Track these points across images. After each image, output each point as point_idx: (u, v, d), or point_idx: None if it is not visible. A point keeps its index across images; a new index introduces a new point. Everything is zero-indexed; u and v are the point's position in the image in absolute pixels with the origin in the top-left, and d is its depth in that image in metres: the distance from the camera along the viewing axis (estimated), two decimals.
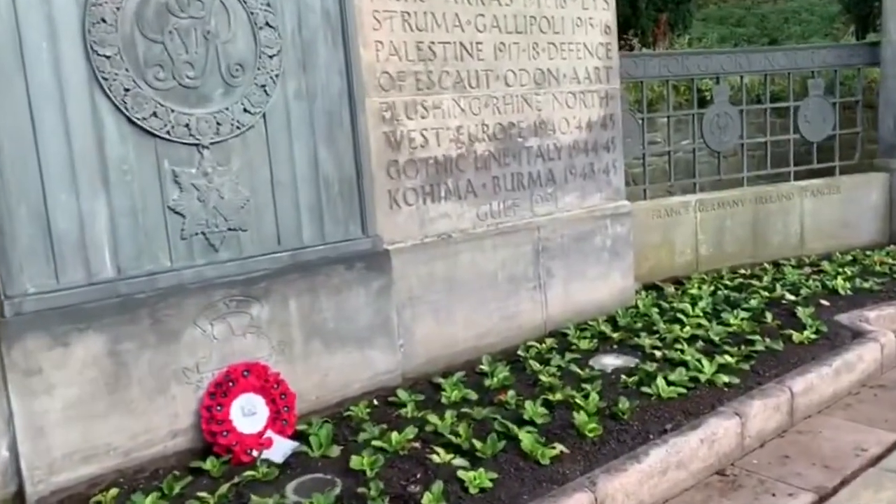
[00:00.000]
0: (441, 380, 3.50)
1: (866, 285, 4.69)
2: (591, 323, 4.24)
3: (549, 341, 3.98)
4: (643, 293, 4.77)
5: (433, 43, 3.60)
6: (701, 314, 4.25)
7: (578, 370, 3.53)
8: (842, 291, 4.58)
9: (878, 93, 5.99)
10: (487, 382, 3.45)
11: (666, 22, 7.18)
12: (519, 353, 3.84)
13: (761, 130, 6.00)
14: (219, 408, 2.88)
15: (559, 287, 4.23)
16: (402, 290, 3.53)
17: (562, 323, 4.21)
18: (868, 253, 5.55)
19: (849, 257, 5.48)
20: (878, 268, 5.05)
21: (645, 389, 3.25)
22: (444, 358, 3.71)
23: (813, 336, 3.84)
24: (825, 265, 5.24)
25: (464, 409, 3.15)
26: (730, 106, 5.58)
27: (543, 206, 4.16)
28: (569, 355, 3.76)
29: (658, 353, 3.68)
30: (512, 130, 3.97)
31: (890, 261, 5.22)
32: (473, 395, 3.32)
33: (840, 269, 5.08)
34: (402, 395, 3.33)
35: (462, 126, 3.76)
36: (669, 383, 3.29)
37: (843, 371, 3.56)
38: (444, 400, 3.28)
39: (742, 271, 5.29)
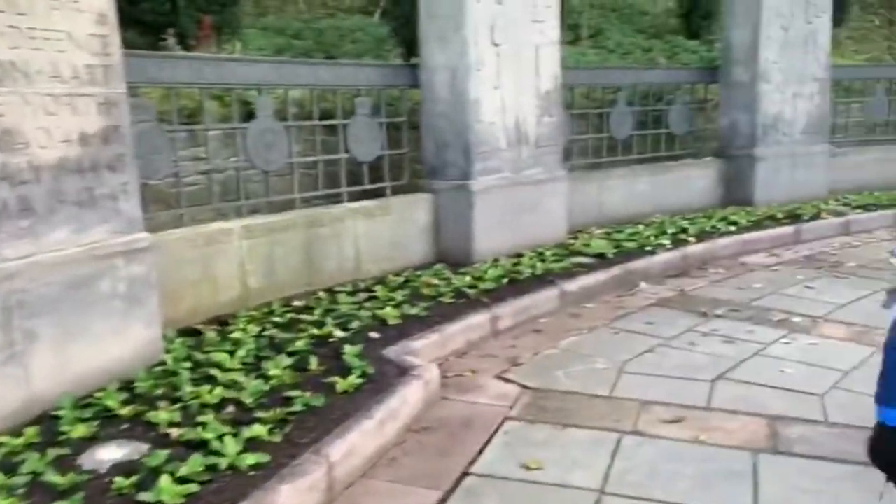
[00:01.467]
0: None
1: (414, 311, 4.58)
2: (98, 395, 3.26)
3: (31, 432, 2.91)
4: (177, 342, 3.94)
5: None
6: (239, 366, 3.61)
7: (58, 477, 2.55)
8: (391, 321, 4.38)
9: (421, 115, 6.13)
10: None
11: (211, 25, 6.44)
12: None
13: (315, 149, 5.65)
14: None
15: (49, 353, 3.17)
16: None
17: (56, 401, 3.15)
18: (418, 273, 5.57)
19: (401, 279, 5.42)
20: (425, 290, 5.03)
21: (144, 497, 2.44)
22: None
23: (358, 381, 3.46)
24: (379, 290, 5.06)
25: None
26: (276, 121, 5.09)
27: (17, 246, 3.06)
28: (53, 452, 2.75)
29: (176, 432, 2.90)
30: None
31: (436, 281, 5.28)
32: None
33: (391, 295, 4.94)
34: None
35: None
36: (180, 480, 2.53)
37: (388, 420, 3.23)
38: None
39: (296, 303, 4.82)
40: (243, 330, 4.19)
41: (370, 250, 5.54)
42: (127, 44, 3.69)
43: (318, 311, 4.54)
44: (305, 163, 5.64)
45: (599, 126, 7.87)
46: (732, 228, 7.15)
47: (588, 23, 11.34)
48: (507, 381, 3.98)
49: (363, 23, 10.11)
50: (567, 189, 6.73)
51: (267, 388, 3.33)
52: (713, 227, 7.18)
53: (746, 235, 7.00)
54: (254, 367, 3.62)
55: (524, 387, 3.89)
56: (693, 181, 8.14)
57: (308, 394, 3.27)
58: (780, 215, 7.72)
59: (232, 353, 3.75)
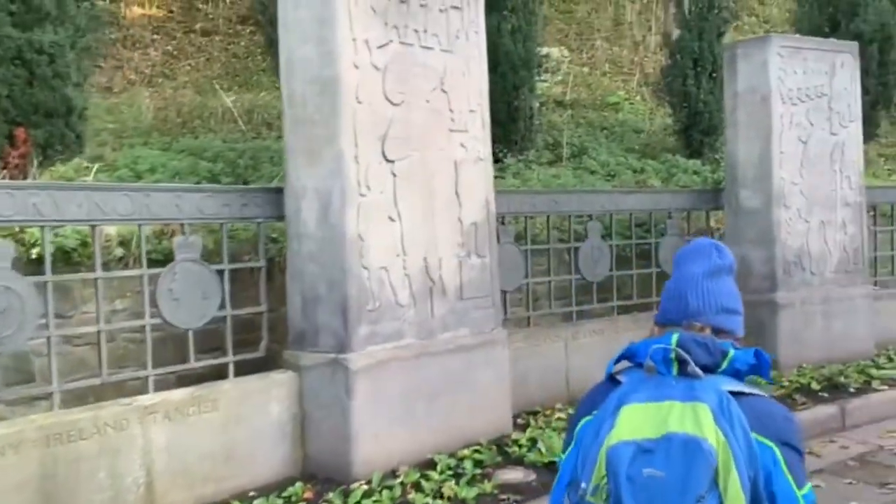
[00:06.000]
0: None
1: None
2: None
3: None
4: None
5: None
6: None
7: None
8: None
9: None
10: None
11: (29, 141, 4.83)
12: None
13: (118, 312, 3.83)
14: None
15: None
16: None
17: None
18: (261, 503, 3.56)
19: None
20: None
21: None
22: None
23: None
24: None
25: None
26: (15, 273, 3.30)
27: None
28: None
29: None
30: None
31: None
32: None
33: None
34: None
35: None
36: None
37: None
38: None
39: None
40: None
41: (177, 469, 3.55)
42: None
43: None
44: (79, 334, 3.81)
45: (568, 265, 6.03)
46: None
47: (570, 141, 9.78)
48: None
49: None
50: (511, 355, 4.78)
51: None
52: None
53: None
54: None
55: None
56: None
57: None
58: (814, 385, 5.65)
59: None
